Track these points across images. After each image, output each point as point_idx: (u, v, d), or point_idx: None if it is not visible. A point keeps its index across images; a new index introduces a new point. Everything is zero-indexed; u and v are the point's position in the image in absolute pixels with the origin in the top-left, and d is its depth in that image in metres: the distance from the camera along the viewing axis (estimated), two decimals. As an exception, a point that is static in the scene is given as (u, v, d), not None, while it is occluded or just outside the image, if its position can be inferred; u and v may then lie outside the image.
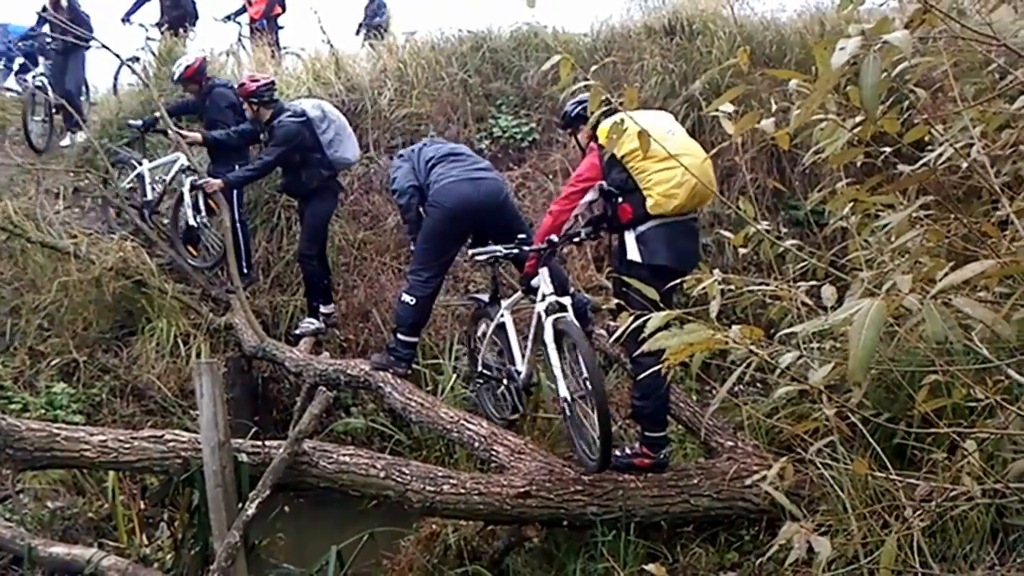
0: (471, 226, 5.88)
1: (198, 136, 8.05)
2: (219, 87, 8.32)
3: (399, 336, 5.99)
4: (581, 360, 4.42)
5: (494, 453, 5.00)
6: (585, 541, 4.62)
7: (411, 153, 6.16)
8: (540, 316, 4.81)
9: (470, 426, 5.25)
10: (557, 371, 4.62)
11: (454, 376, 7.23)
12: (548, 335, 4.68)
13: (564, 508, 4.55)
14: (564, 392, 4.62)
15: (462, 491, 4.64)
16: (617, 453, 4.76)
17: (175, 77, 8.48)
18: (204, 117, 8.37)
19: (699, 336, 2.00)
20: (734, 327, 2.15)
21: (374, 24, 13.19)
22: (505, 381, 5.46)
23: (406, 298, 5.91)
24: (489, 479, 4.76)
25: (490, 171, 6.05)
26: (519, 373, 5.23)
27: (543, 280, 4.84)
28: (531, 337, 5.09)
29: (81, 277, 7.50)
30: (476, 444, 5.14)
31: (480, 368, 5.76)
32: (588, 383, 4.39)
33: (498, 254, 5.12)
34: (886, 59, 1.78)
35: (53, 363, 7.01)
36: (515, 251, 5.06)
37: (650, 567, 2.69)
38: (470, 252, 5.33)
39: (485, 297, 5.75)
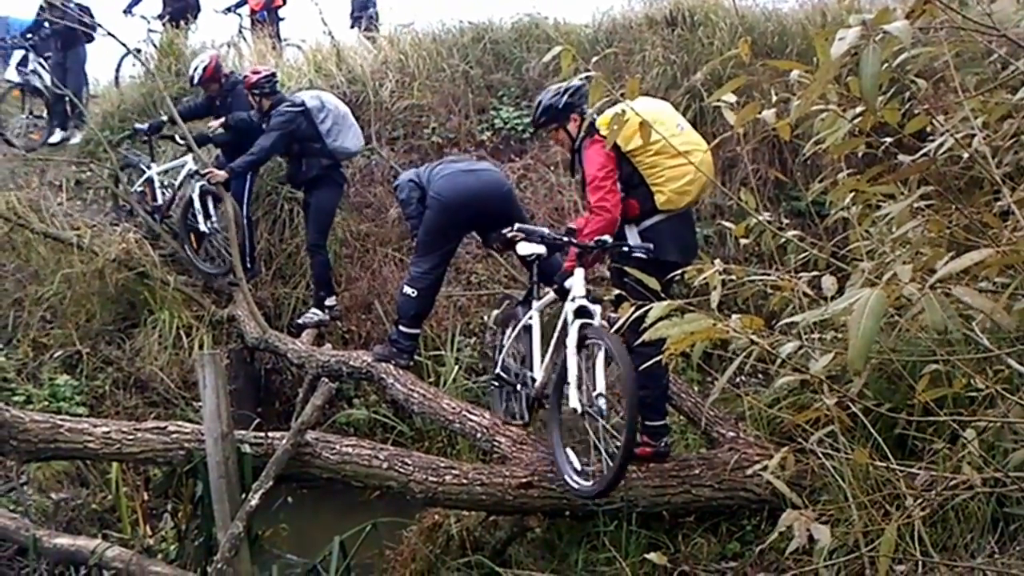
0: (472, 217, 5.88)
1: (216, 124, 8.19)
2: (242, 82, 8.28)
3: (401, 328, 6.01)
4: (622, 376, 4.06)
5: (496, 444, 5.01)
6: (587, 531, 4.64)
7: (418, 167, 6.26)
8: (567, 319, 4.53)
9: (472, 417, 5.26)
10: (572, 378, 4.30)
11: (456, 367, 7.25)
12: (571, 339, 4.37)
13: (566, 498, 4.56)
14: (575, 403, 4.26)
15: (464, 482, 4.66)
16: (619, 444, 4.77)
17: (194, 81, 8.44)
18: (226, 112, 8.35)
19: (699, 326, 2.00)
20: (734, 317, 2.15)
21: (367, 15, 13.17)
22: (519, 387, 5.22)
23: (408, 290, 5.92)
24: (491, 470, 4.78)
25: (491, 167, 6.05)
26: (534, 380, 4.99)
27: (577, 282, 4.54)
28: (554, 341, 4.78)
29: (84, 269, 7.52)
30: (478, 435, 5.16)
31: (498, 371, 5.50)
32: (600, 401, 4.14)
33: (544, 235, 4.79)
34: (886, 49, 1.78)
35: (56, 355, 7.02)
36: (564, 239, 4.68)
37: (651, 556, 2.71)
38: (516, 226, 4.89)
39: (519, 295, 5.49)
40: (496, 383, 5.55)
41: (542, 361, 4.94)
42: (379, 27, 12.51)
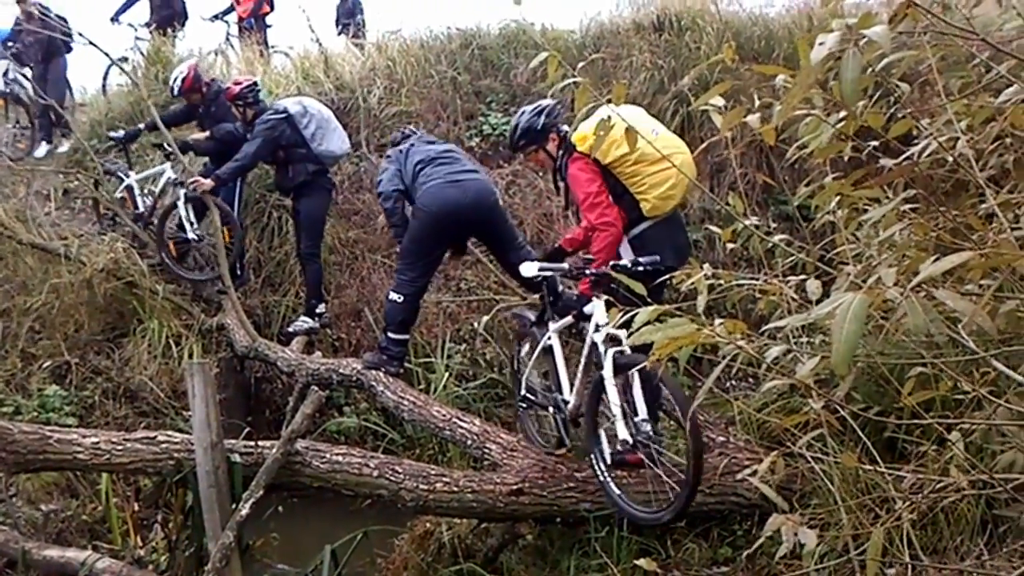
0: (458, 229, 5.89)
1: (201, 137, 8.25)
2: (224, 91, 8.28)
3: (390, 334, 6.00)
4: (674, 402, 4.08)
5: (487, 451, 5.01)
6: (578, 538, 4.63)
7: (398, 155, 6.10)
8: (597, 347, 4.38)
9: (462, 424, 5.26)
10: (616, 409, 4.16)
11: (446, 374, 7.24)
12: (608, 371, 4.21)
13: (557, 505, 4.56)
14: (624, 434, 4.15)
15: (455, 489, 4.65)
16: (609, 450, 4.76)
17: (174, 92, 8.43)
18: (210, 121, 8.36)
19: (683, 330, 2.00)
20: (717, 321, 2.15)
21: (354, 22, 13.19)
22: (551, 410, 5.06)
23: (394, 296, 5.90)
24: (482, 477, 4.77)
25: (478, 173, 5.99)
26: (566, 403, 4.81)
27: (597, 308, 4.40)
28: (582, 366, 4.65)
29: (72, 279, 7.48)
30: (469, 442, 5.15)
31: (524, 392, 5.32)
32: (645, 426, 4.13)
33: (564, 271, 4.73)
34: (868, 54, 1.78)
35: (45, 365, 6.99)
36: (584, 271, 4.58)
37: (641, 562, 2.70)
38: (537, 266, 4.73)
39: (531, 315, 5.35)
40: (523, 404, 5.38)
41: (571, 383, 4.82)
42: (366, 34, 12.53)
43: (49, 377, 6.93)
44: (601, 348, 4.34)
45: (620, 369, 4.22)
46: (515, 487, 4.58)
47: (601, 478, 4.38)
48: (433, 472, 4.81)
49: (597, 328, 4.39)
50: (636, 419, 4.17)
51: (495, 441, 5.04)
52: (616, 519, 4.41)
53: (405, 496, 4.69)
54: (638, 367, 4.10)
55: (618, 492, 4.31)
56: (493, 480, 4.69)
